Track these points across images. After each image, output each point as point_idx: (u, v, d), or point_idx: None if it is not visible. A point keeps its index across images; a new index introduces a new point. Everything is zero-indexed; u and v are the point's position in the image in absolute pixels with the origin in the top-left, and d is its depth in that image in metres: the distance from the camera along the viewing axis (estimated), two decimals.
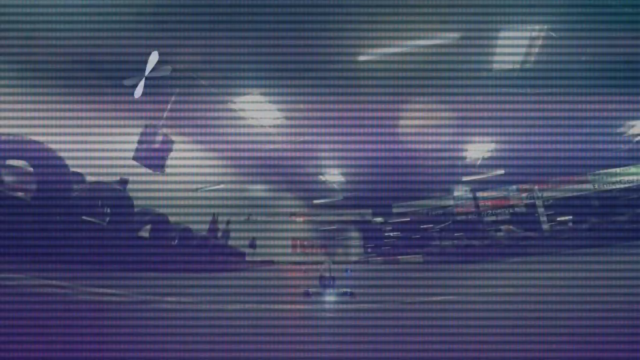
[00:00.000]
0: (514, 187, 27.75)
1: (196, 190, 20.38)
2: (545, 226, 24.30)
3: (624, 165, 23.74)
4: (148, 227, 12.36)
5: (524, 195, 27.31)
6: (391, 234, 39.66)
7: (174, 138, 12.05)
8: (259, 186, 27.54)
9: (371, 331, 3.97)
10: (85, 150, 12.27)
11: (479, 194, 29.23)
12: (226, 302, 6.02)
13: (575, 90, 13.96)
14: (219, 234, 20.64)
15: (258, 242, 23.58)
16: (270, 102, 14.72)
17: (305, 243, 33.61)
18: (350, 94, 13.94)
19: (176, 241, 13.34)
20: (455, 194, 30.17)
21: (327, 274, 7.38)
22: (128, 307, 4.74)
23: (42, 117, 11.34)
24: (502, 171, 24.69)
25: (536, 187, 26.50)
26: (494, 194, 28.59)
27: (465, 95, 14.46)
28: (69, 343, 2.95)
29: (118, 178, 11.88)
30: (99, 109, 14.02)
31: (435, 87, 13.82)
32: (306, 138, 18.35)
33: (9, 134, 7.24)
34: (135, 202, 10.28)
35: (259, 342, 3.49)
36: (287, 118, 16.03)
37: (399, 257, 30.52)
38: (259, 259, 23.10)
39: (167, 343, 3.24)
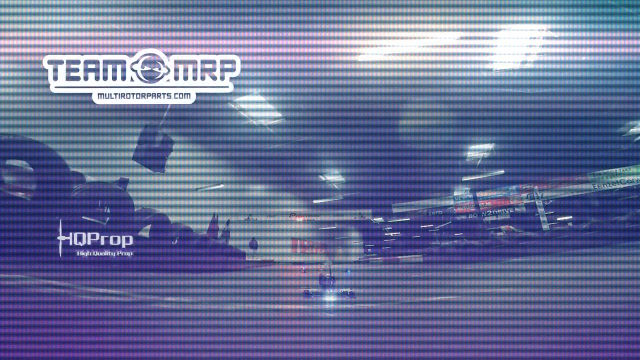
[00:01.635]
0: (514, 187, 27.67)
1: (196, 190, 20.37)
2: (545, 226, 24.26)
3: (624, 165, 23.69)
4: (148, 227, 12.38)
5: (524, 195, 27.24)
6: (391, 234, 39.62)
7: (174, 138, 12.04)
8: (259, 186, 27.52)
9: (371, 331, 3.97)
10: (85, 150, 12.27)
11: (479, 194, 29.15)
12: (226, 302, 6.02)
13: (575, 90, 13.96)
14: (219, 234, 20.65)
15: (258, 242, 23.56)
16: (270, 102, 14.72)
17: (305, 243, 33.57)
18: (350, 94, 13.93)
19: (176, 241, 13.35)
20: (455, 194, 30.10)
21: (327, 274, 7.38)
22: (128, 307, 4.73)
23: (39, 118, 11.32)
24: (502, 171, 24.67)
25: (536, 187, 26.44)
26: (494, 194, 28.52)
27: (465, 95, 14.46)
28: (69, 343, 2.95)
29: (118, 178, 11.90)
30: (97, 108, 14.01)
31: (435, 87, 13.83)
32: (306, 138, 18.34)
33: (9, 134, 7.24)
34: (135, 202, 10.30)
35: (259, 342, 3.48)
36: (287, 118, 16.03)
37: (399, 257, 30.49)
38: (259, 259, 23.10)
39: (167, 343, 3.24)
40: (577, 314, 3.82)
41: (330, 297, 6.54)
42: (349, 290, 6.71)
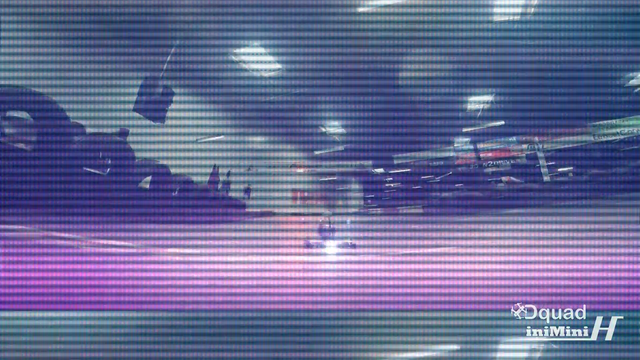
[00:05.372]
0: (514, 138, 27.58)
1: (195, 141, 20.32)
2: (545, 177, 24.32)
3: (623, 117, 23.54)
4: (148, 178, 12.43)
5: (524, 146, 27.17)
6: (391, 185, 39.72)
7: (174, 89, 11.97)
8: (259, 137, 27.45)
9: (372, 282, 4.04)
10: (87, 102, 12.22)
11: (479, 146, 29.08)
12: (226, 253, 6.10)
13: (576, 42, 13.82)
14: (220, 185, 20.75)
15: (258, 194, 23.70)
16: (270, 53, 14.58)
17: (306, 194, 33.73)
18: (350, 46, 13.77)
19: (176, 192, 13.42)
20: (456, 145, 30.03)
21: (327, 226, 7.43)
22: (131, 257, 4.81)
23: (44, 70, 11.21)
24: (501, 122, 24.64)
25: (536, 138, 26.37)
26: (494, 145, 28.44)
27: (465, 47, 14.31)
28: (73, 295, 3.03)
29: (118, 129, 11.86)
30: (101, 60, 13.93)
31: (435, 38, 13.66)
32: (307, 89, 18.23)
33: (9, 86, 7.21)
34: (135, 154, 10.32)
35: (260, 293, 3.56)
36: (287, 70, 15.90)
37: (399, 208, 30.69)
38: (259, 210, 23.26)
39: (168, 295, 3.31)
40: (573, 265, 3.88)
41: (331, 249, 6.62)
42: (349, 241, 6.78)
